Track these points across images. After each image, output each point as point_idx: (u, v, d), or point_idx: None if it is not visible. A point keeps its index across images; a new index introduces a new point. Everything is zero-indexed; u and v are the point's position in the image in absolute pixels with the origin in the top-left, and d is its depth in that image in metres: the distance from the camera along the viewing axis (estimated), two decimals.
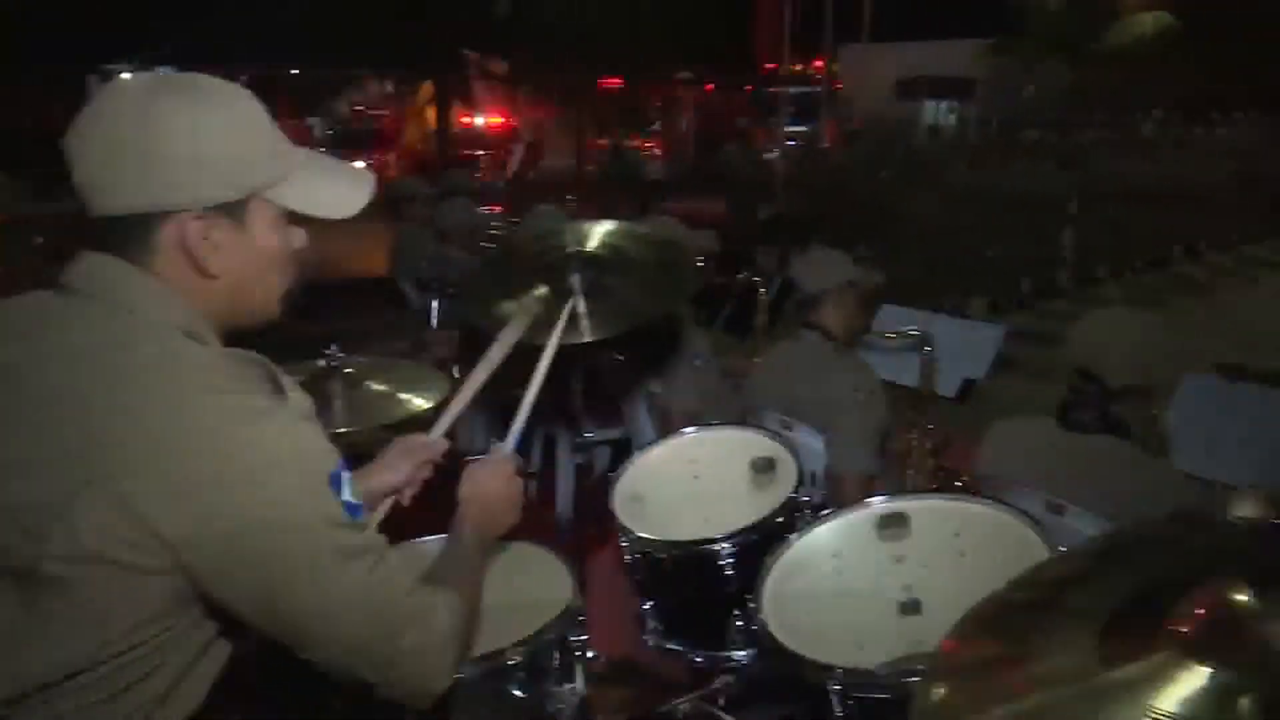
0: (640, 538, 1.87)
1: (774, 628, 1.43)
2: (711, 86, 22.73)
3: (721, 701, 1.70)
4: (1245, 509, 0.76)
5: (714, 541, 1.77)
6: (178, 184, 1.04)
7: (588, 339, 1.92)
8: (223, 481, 0.97)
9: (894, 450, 2.98)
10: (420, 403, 2.22)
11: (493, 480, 1.39)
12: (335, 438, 2.13)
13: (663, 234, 3.23)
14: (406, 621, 1.09)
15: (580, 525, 3.86)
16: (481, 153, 18.91)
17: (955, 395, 3.34)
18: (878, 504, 1.65)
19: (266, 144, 1.12)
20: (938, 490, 1.79)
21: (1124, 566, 0.83)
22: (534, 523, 4.25)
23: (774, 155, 14.95)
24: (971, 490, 2.65)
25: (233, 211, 1.09)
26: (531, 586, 1.65)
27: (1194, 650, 0.69)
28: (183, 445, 0.97)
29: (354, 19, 11.85)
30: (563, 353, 2.09)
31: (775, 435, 2.11)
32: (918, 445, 2.91)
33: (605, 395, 3.83)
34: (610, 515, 1.98)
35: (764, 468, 1.94)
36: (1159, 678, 0.70)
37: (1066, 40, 18.68)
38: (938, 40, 21.38)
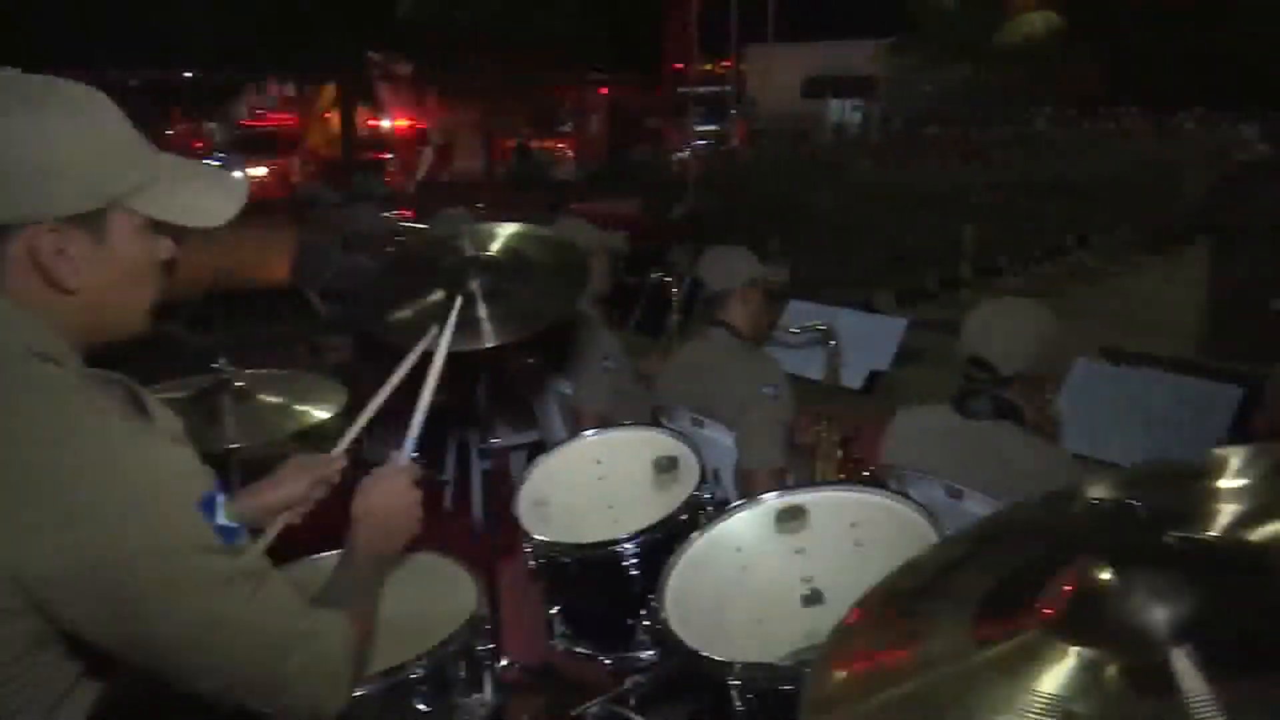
0: (543, 542, 1.86)
1: (675, 625, 1.44)
2: (622, 86, 22.81)
3: (632, 702, 1.70)
4: (1100, 490, 0.79)
5: (617, 542, 1.77)
6: (26, 195, 0.98)
7: (489, 344, 1.89)
8: (78, 514, 0.92)
9: (803, 443, 3.04)
10: (318, 414, 2.16)
11: (388, 493, 1.34)
12: (227, 454, 2.08)
13: (568, 235, 3.22)
14: (292, 646, 1.05)
15: (495, 531, 3.83)
16: (390, 156, 18.60)
17: (861, 387, 3.42)
18: (775, 498, 1.67)
19: (124, 150, 1.06)
20: (835, 482, 1.82)
21: (999, 549, 0.86)
22: (450, 531, 4.19)
23: (685, 154, 15.10)
24: (878, 480, 2.72)
25: (90, 222, 1.02)
26: (435, 598, 1.61)
27: (1059, 629, 0.72)
28: (32, 478, 0.92)
29: (251, 21, 11.49)
30: (474, 358, 2.06)
31: (677, 434, 2.12)
32: (825, 437, 2.95)
33: (518, 399, 3.80)
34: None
35: (666, 466, 1.95)
36: (1030, 658, 0.72)
37: (961, 40, 19.46)
38: (840, 40, 21.92)
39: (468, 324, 1.86)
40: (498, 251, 2.01)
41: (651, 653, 1.75)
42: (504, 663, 2.00)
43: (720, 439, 2.70)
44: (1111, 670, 0.69)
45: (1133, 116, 13.54)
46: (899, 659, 0.79)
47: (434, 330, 1.73)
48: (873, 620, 0.87)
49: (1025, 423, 2.33)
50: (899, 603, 0.88)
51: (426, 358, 1.65)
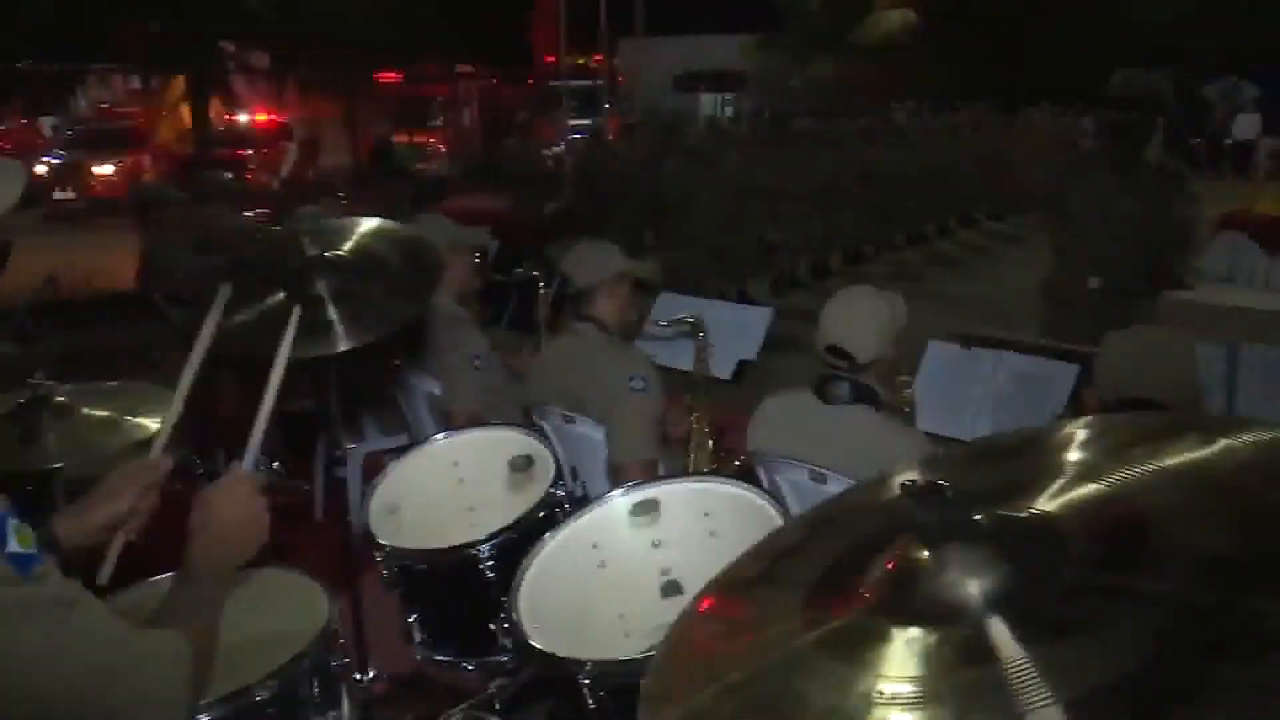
0: (395, 549, 1.81)
1: (527, 627, 1.42)
2: (494, 80, 22.51)
3: (497, 706, 1.67)
4: (913, 473, 0.82)
5: (473, 545, 1.74)
6: None
7: (341, 348, 1.82)
8: None
9: (675, 435, 3.07)
10: (150, 425, 2.02)
11: (228, 504, 1.28)
12: (50, 474, 1.93)
13: (427, 233, 3.14)
14: (115, 675, 0.99)
15: (362, 538, 3.72)
16: (251, 152, 17.75)
17: (731, 377, 3.47)
18: (626, 493, 1.68)
19: None
20: (687, 473, 1.82)
21: (831, 534, 0.88)
22: (323, 540, 4.03)
23: (559, 149, 15.01)
24: (749, 468, 2.78)
25: None
26: (283, 614, 1.54)
27: (882, 610, 0.74)
28: None
29: (90, 8, 10.73)
30: (339, 361, 1.97)
31: (532, 431, 2.10)
32: (697, 428, 2.99)
33: (388, 402, 3.70)
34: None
35: (522, 466, 1.93)
36: (857, 640, 0.74)
37: (824, 36, 20.12)
38: (710, 35, 22.27)
39: (319, 327, 1.78)
40: (347, 251, 1.94)
41: (513, 655, 1.73)
42: (371, 675, 1.93)
43: (591, 434, 2.70)
44: (933, 644, 0.71)
45: (985, 110, 14.23)
46: (735, 647, 0.80)
47: (286, 337, 1.65)
48: (713, 609, 0.88)
49: (882, 406, 2.43)
50: (737, 591, 0.89)
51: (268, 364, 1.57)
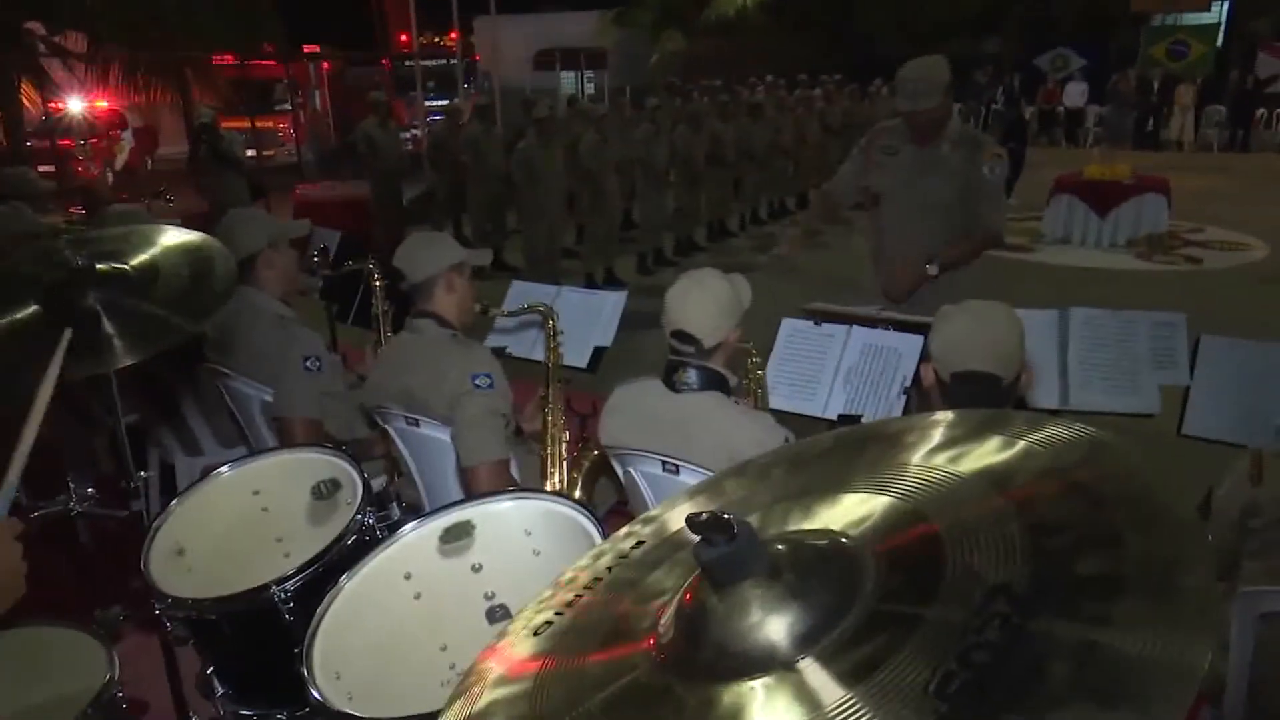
0: (177, 599, 1.61)
1: (322, 680, 1.29)
2: (342, 60, 21.56)
3: None
4: (692, 507, 0.75)
5: (267, 588, 1.57)
6: None
7: (122, 363, 1.63)
8: None
9: (530, 430, 2.96)
10: None
11: None
12: None
13: (242, 231, 2.92)
14: None
15: None
16: (82, 143, 16.37)
17: (587, 365, 3.39)
18: (433, 517, 1.56)
19: None
20: (498, 492, 1.69)
21: (623, 573, 0.80)
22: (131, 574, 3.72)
23: (417, 132, 14.50)
24: (605, 459, 2.70)
25: None
26: (56, 677, 1.36)
27: (674, 668, 0.66)
28: None
29: None
30: (158, 374, 1.76)
31: (338, 451, 1.93)
32: (552, 420, 2.90)
33: (222, 412, 3.43)
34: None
35: (326, 493, 1.77)
36: (639, 698, 0.65)
37: (678, 11, 20.19)
38: (566, 12, 21.97)
39: (95, 344, 1.58)
40: (130, 263, 1.72)
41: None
42: None
43: (437, 436, 2.56)
44: (749, 698, 0.63)
45: (836, 84, 14.58)
46: (524, 704, 0.70)
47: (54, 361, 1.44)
48: (497, 669, 0.78)
49: (731, 391, 2.39)
50: (521, 644, 0.79)
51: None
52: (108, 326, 1.60)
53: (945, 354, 1.95)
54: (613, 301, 3.49)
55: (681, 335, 2.31)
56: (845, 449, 0.84)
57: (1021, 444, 0.67)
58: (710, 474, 2.16)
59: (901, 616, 0.60)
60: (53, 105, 13.75)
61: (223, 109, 10.92)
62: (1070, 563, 0.56)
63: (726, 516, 0.63)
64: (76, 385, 3.99)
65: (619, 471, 2.51)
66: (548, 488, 2.78)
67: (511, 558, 1.50)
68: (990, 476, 0.66)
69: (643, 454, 2.33)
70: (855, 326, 3.06)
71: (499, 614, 1.43)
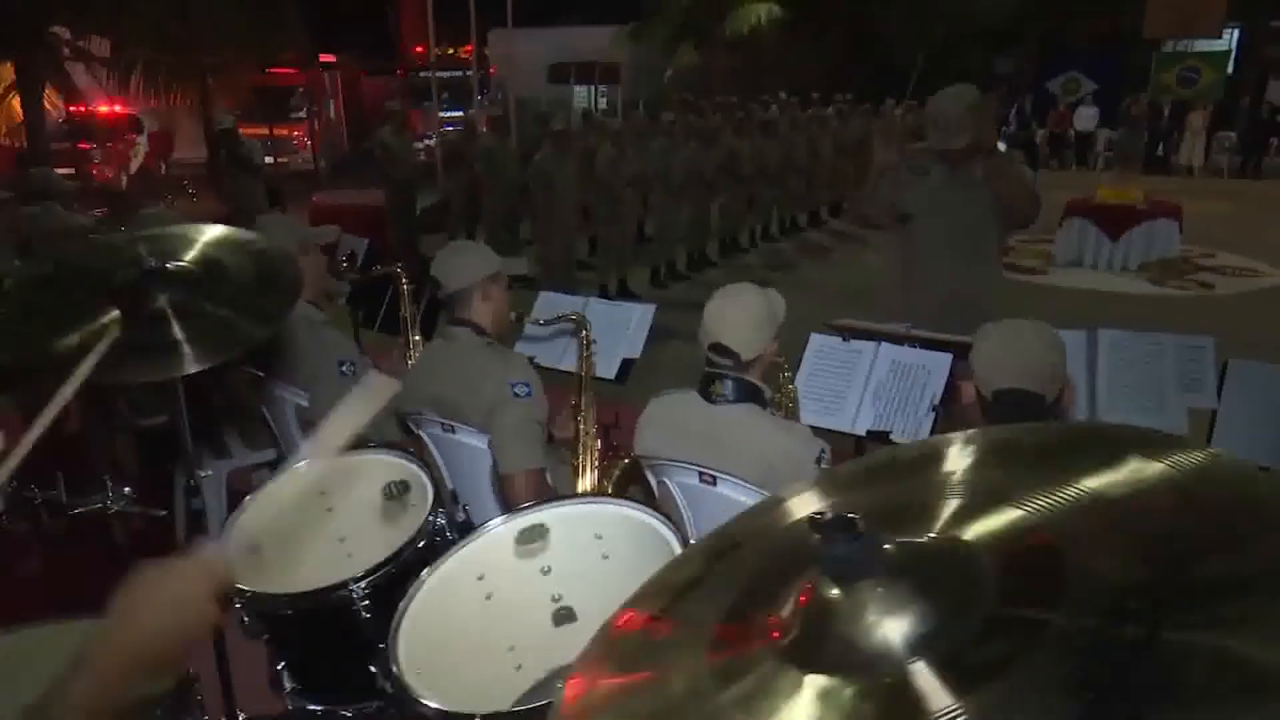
0: (256, 595, 1.65)
1: (409, 677, 1.32)
2: (359, 70, 21.73)
3: None
4: (821, 503, 0.78)
5: (344, 585, 1.60)
6: None
7: (190, 370, 1.66)
8: None
9: (561, 438, 2.99)
10: None
11: (179, 592, 1.04)
12: None
13: (273, 235, 2.95)
14: None
15: None
16: (95, 146, 16.49)
17: (615, 376, 3.41)
18: (509, 520, 1.59)
19: None
20: (573, 495, 1.73)
21: (732, 567, 0.83)
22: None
23: (431, 142, 14.58)
24: (637, 467, 2.72)
25: None
26: None
27: (793, 656, 0.68)
28: None
29: None
30: (195, 376, 1.78)
31: (408, 454, 1.96)
32: (584, 429, 2.92)
33: (249, 414, 3.47)
34: None
35: (396, 493, 1.80)
36: (767, 690, 0.68)
37: (693, 27, 20.32)
38: (581, 26, 22.12)
39: (163, 347, 1.61)
40: (191, 261, 1.76)
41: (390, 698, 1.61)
42: None
43: (473, 444, 2.59)
44: (851, 696, 0.66)
45: (849, 103, 14.66)
46: (640, 704, 0.73)
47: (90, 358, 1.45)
48: (609, 655, 0.81)
49: (767, 403, 2.42)
50: (635, 634, 0.82)
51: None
52: (177, 331, 1.63)
53: (987, 371, 1.97)
54: (640, 314, 3.52)
55: (719, 348, 2.34)
56: (933, 458, 0.87)
57: (1132, 463, 0.70)
58: (746, 484, 2.19)
59: (1025, 622, 0.62)
60: (73, 109, 13.87)
61: (240, 115, 11.01)
62: (1196, 567, 0.58)
63: (851, 516, 0.66)
64: (104, 386, 4.03)
65: (652, 482, 2.54)
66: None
67: (581, 561, 1.52)
68: (1102, 490, 0.68)
69: (679, 465, 2.35)
70: (884, 343, 3.09)
71: (565, 617, 1.46)
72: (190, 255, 1.78)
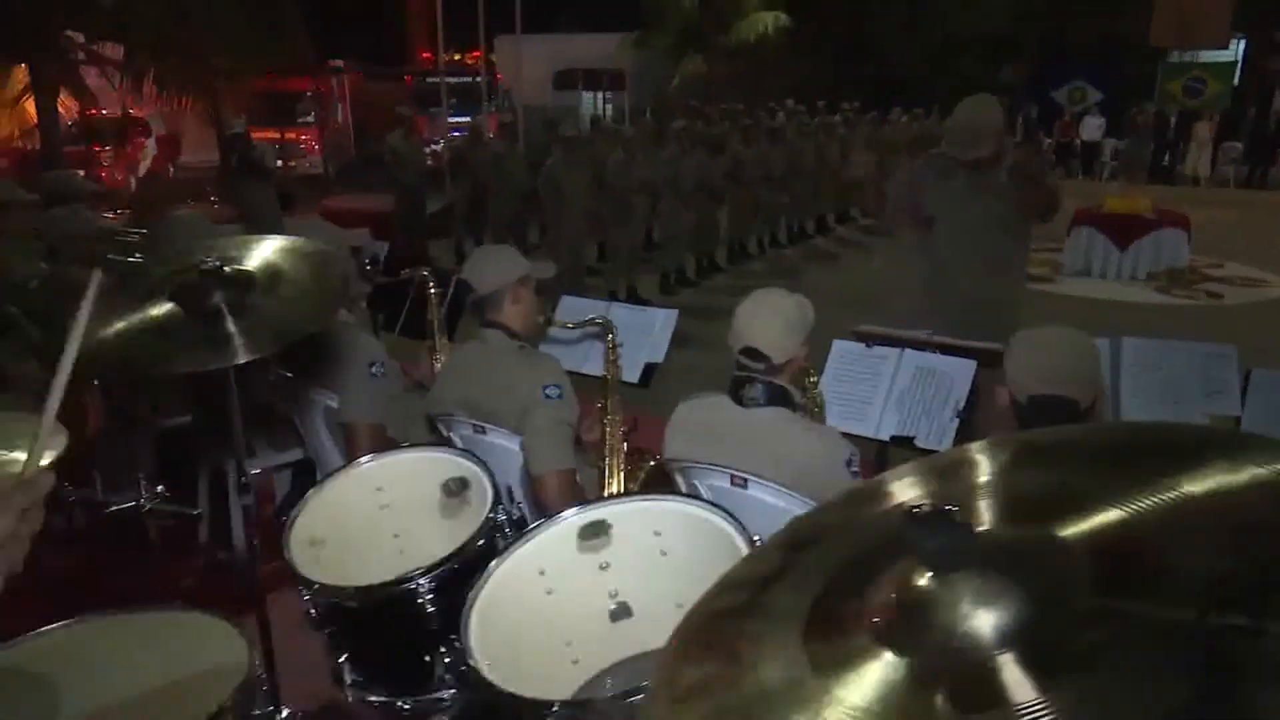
0: (325, 587, 1.68)
1: (484, 668, 1.34)
2: (368, 75, 21.78)
3: None
4: (913, 495, 0.80)
5: (411, 579, 1.63)
6: None
7: (239, 360, 1.68)
8: None
9: (589, 440, 3.01)
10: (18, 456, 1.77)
11: None
12: None
13: (311, 237, 2.98)
14: None
15: (262, 565, 3.51)
16: (105, 149, 16.55)
17: (638, 380, 3.44)
18: (576, 514, 1.62)
19: None
20: (633, 492, 1.77)
21: (814, 558, 0.85)
22: (210, 568, 3.79)
23: (439, 147, 14.64)
24: (663, 469, 2.75)
25: None
26: (200, 661, 1.41)
27: (885, 639, 0.71)
28: None
29: None
30: (220, 375, 1.81)
31: (465, 452, 2.00)
32: (611, 432, 2.94)
33: (275, 415, 3.49)
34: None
35: (456, 489, 1.83)
36: (863, 676, 0.70)
37: (699, 35, 20.41)
38: (587, 33, 22.21)
39: (216, 340, 1.64)
40: (243, 265, 1.78)
41: (454, 690, 1.64)
42: (285, 715, 1.80)
43: (505, 445, 2.62)
44: (938, 684, 0.68)
45: (856, 111, 14.72)
46: (733, 692, 0.75)
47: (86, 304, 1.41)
48: (696, 649, 0.83)
49: (797, 407, 2.44)
50: (720, 626, 0.84)
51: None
52: (230, 325, 1.66)
53: (1022, 377, 1.99)
54: (663, 318, 3.55)
55: (751, 352, 2.37)
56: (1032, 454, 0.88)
57: (1217, 454, 0.72)
58: (779, 487, 2.22)
59: (1118, 614, 0.64)
60: (85, 112, 13.92)
61: (249, 120, 11.06)
62: None
63: (949, 507, 0.68)
64: (119, 385, 4.06)
65: (681, 485, 2.56)
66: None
67: (639, 558, 1.54)
68: (1193, 483, 0.71)
69: (710, 467, 2.38)
70: (907, 350, 3.11)
71: (621, 613, 1.48)
72: (250, 260, 1.81)
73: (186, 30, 9.95)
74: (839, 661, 0.72)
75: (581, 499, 2.58)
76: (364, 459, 2.01)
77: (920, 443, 2.95)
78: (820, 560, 0.85)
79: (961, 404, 2.91)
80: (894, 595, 0.73)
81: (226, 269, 1.71)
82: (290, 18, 11.39)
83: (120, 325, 1.71)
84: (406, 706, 1.70)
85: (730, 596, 0.88)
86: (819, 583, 0.81)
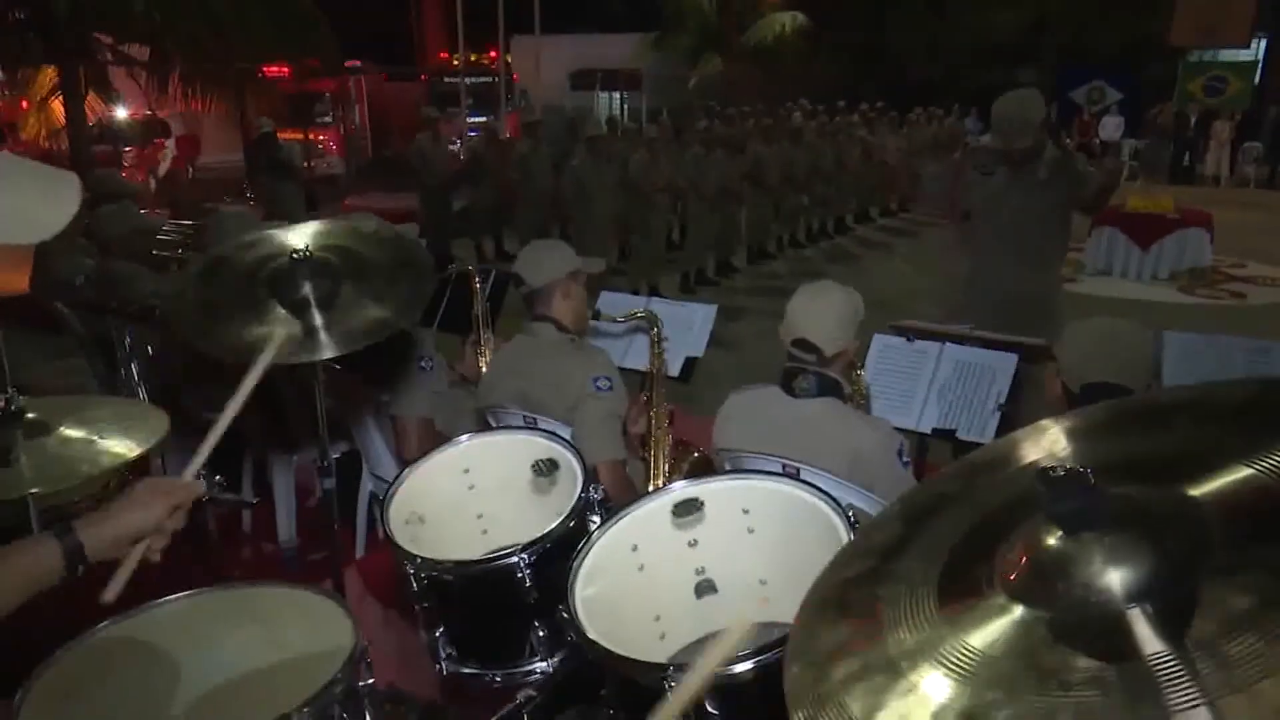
0: (428, 561, 1.73)
1: (596, 635, 1.38)
2: (383, 76, 21.89)
3: (525, 716, 1.62)
4: (1046, 459, 0.85)
5: (511, 554, 1.68)
6: None
7: (327, 355, 1.74)
8: None
9: (635, 431, 3.05)
10: (131, 446, 1.84)
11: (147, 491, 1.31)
12: (22, 501, 1.74)
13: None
14: None
15: (309, 552, 3.57)
16: (127, 149, 16.72)
17: (679, 375, 3.48)
18: (671, 491, 1.66)
19: None
20: (726, 471, 1.81)
21: (935, 523, 0.89)
22: (255, 555, 3.85)
23: (457, 146, 14.73)
24: (708, 460, 2.79)
25: None
26: (309, 637, 1.46)
27: (1018, 594, 0.75)
28: None
29: None
30: (273, 369, 1.87)
31: (553, 435, 2.04)
32: (657, 424, 2.99)
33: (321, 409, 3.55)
34: (385, 537, 1.82)
35: (547, 470, 1.88)
36: (995, 626, 0.75)
37: (717, 36, 20.47)
38: (604, 34, 22.30)
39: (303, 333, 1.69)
40: (325, 252, 1.83)
41: (546, 663, 1.69)
42: (383, 688, 1.85)
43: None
44: (1070, 634, 0.72)
45: (875, 112, 14.72)
46: (876, 649, 0.80)
47: (267, 347, 1.56)
48: (832, 610, 0.87)
49: (847, 398, 2.48)
50: (853, 591, 0.88)
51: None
52: (316, 318, 1.71)
53: (1076, 366, 2.03)
54: (703, 314, 3.59)
55: (803, 344, 2.41)
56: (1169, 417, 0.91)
57: None
58: (832, 476, 2.25)
59: (1256, 568, 0.68)
60: (105, 113, 14.07)
61: (278, 121, 11.17)
62: None
63: (1082, 469, 0.72)
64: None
65: None
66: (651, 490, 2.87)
67: (727, 535, 1.59)
68: None
69: (763, 456, 2.42)
70: (948, 344, 3.15)
71: (706, 589, 1.52)
72: (320, 244, 1.85)
73: (215, 31, 10.05)
74: (975, 617, 0.76)
75: (631, 490, 2.63)
76: (462, 437, 2.06)
77: (962, 435, 2.99)
78: (944, 526, 0.89)
79: (1004, 397, 2.94)
80: (1025, 554, 0.77)
81: (310, 257, 1.75)
82: (315, 19, 11.48)
83: (236, 325, 1.76)
84: (498, 679, 1.75)
85: (858, 564, 0.92)
86: (946, 546, 0.85)
